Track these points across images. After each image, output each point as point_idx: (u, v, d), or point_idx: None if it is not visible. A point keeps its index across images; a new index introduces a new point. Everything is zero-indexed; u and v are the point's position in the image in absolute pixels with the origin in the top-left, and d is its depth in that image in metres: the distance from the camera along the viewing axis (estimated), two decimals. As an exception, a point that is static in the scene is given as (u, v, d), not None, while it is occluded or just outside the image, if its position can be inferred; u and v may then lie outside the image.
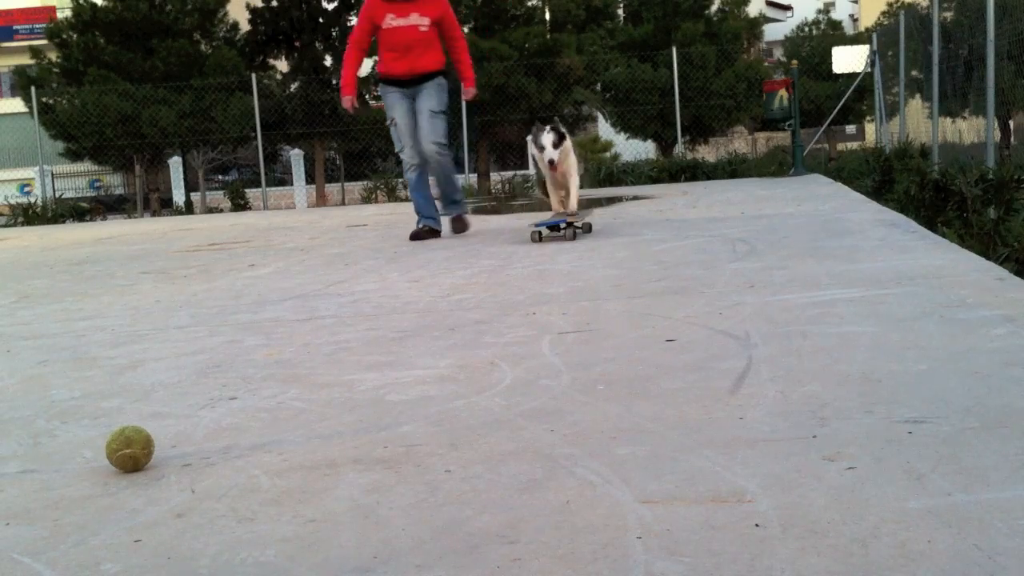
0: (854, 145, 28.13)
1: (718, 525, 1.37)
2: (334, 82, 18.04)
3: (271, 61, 19.39)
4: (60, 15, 21.95)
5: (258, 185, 17.43)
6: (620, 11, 19.87)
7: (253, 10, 19.06)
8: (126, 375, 2.66)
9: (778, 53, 30.88)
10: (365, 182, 17.48)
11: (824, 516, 1.38)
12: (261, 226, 9.38)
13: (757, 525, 1.36)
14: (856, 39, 22.11)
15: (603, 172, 14.31)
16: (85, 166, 22.80)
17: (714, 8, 19.47)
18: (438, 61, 6.23)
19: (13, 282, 5.46)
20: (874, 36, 16.29)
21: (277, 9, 18.88)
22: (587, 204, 8.92)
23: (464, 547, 1.37)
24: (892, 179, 9.10)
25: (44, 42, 19.33)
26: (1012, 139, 16.00)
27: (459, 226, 6.40)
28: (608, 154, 21.34)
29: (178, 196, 20.36)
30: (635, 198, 9.67)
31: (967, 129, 12.62)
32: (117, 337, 3.28)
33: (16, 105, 22.30)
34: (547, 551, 1.33)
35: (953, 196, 6.59)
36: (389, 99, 6.28)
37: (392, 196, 15.20)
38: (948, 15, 13.75)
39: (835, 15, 31.91)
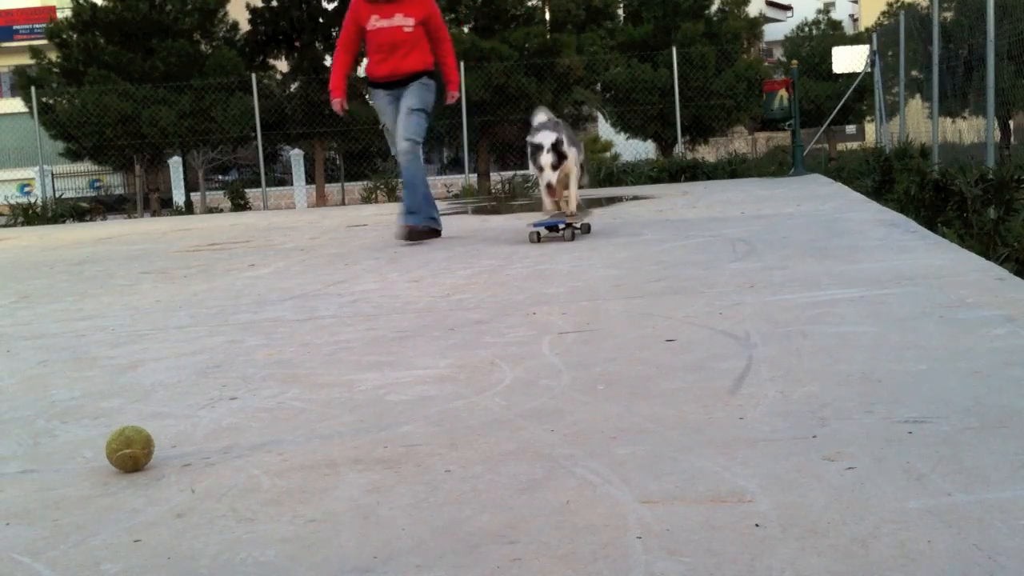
0: (854, 145, 28.14)
1: (718, 525, 1.37)
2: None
3: (271, 61, 19.38)
4: (60, 15, 21.95)
5: (258, 185, 17.43)
6: (620, 11, 19.86)
7: (253, 10, 19.05)
8: (126, 375, 2.66)
9: (778, 53, 30.88)
10: (365, 182, 17.49)
11: (824, 516, 1.38)
12: (261, 226, 9.38)
13: (757, 525, 1.36)
14: (856, 39, 22.10)
15: (603, 172, 14.31)
16: (85, 166, 22.80)
17: (714, 8, 19.47)
18: (424, 62, 6.14)
19: (13, 282, 5.46)
20: (874, 36, 16.30)
21: (277, 9, 18.87)
22: (587, 204, 8.93)
23: (464, 547, 1.37)
24: (892, 179, 9.10)
25: (44, 42, 19.32)
26: (1012, 139, 16.00)
27: (405, 233, 6.02)
28: (608, 154, 21.34)
29: (178, 196, 20.34)
30: (635, 198, 9.67)
31: (967, 129, 12.62)
32: (117, 337, 3.28)
33: (16, 105, 22.29)
34: (547, 551, 1.33)
35: (953, 196, 6.59)
36: (378, 103, 6.24)
37: (392, 196, 15.20)
38: (948, 15, 13.75)
39: (835, 15, 31.91)
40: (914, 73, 14.09)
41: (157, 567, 1.38)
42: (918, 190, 7.04)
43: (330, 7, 18.97)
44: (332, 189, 22.84)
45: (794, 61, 14.87)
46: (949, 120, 12.43)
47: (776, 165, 13.72)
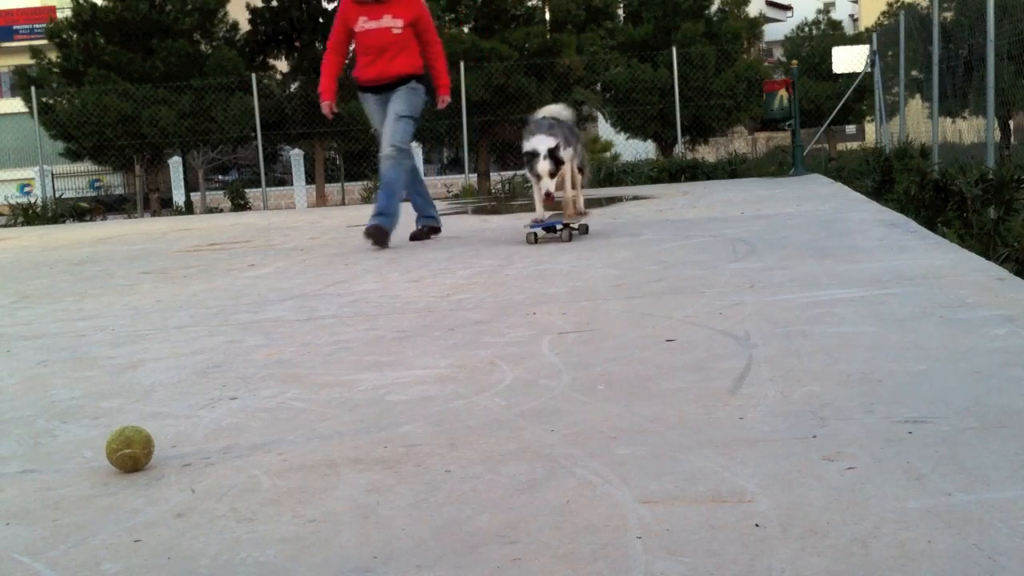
0: (854, 145, 28.15)
1: (718, 525, 1.37)
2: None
3: (271, 61, 19.38)
4: (60, 15, 21.95)
5: (258, 185, 17.44)
6: (620, 11, 19.86)
7: (253, 10, 19.05)
8: (126, 375, 2.66)
9: (778, 53, 30.89)
10: (365, 182, 17.47)
11: (824, 516, 1.38)
12: (261, 226, 9.38)
13: (757, 525, 1.36)
14: (856, 39, 22.12)
15: (603, 172, 14.31)
16: (85, 166, 22.81)
17: (714, 8, 19.48)
18: (413, 65, 6.02)
19: (13, 282, 5.46)
20: (874, 36, 16.30)
21: (277, 9, 18.88)
22: (587, 204, 8.92)
23: (464, 547, 1.37)
24: (892, 179, 9.10)
25: (44, 42, 19.33)
26: (1012, 139, 16.00)
27: (372, 231, 5.80)
28: (608, 154, 21.33)
29: (178, 196, 20.35)
30: (635, 198, 9.67)
31: (967, 129, 12.63)
32: (117, 337, 3.28)
33: (16, 105, 22.31)
34: (547, 551, 1.33)
35: (953, 196, 6.60)
36: (368, 108, 6.15)
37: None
38: (948, 15, 13.75)
39: (835, 15, 31.92)
40: (914, 73, 14.09)
41: (157, 567, 1.38)
42: (918, 190, 7.04)
43: (330, 7, 18.96)
44: (332, 189, 22.85)
45: (794, 61, 14.88)
46: (949, 120, 12.43)
47: (776, 165, 13.72)
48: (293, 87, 18.89)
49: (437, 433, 1.91)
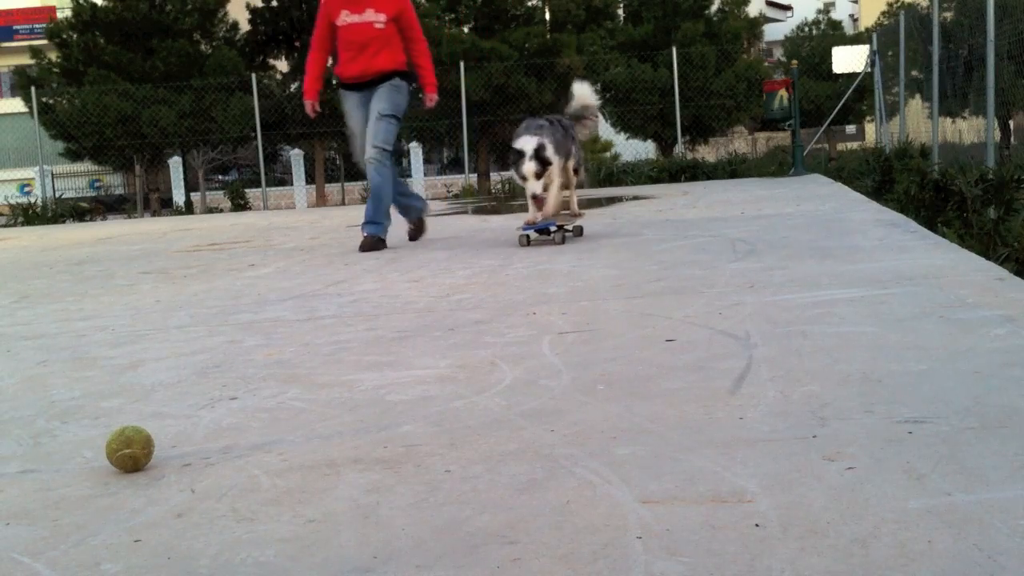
0: (854, 145, 28.14)
1: (718, 525, 1.37)
2: (334, 82, 18.05)
3: (271, 61, 19.39)
4: (60, 15, 21.96)
5: (258, 185, 17.44)
6: (620, 11, 19.86)
7: (253, 10, 19.06)
8: (126, 375, 2.66)
9: (778, 53, 30.88)
10: (365, 182, 17.43)
11: (824, 516, 1.38)
12: (261, 226, 9.38)
13: (757, 525, 1.36)
14: (856, 39, 22.11)
15: (603, 172, 14.31)
16: (85, 166, 22.81)
17: (714, 8, 19.47)
18: (396, 61, 5.84)
19: (13, 282, 5.46)
20: (874, 36, 16.30)
21: (277, 9, 18.88)
22: (587, 204, 8.93)
23: (464, 547, 1.37)
24: (892, 179, 9.10)
25: (44, 42, 19.34)
26: (1012, 139, 16.00)
27: (367, 244, 5.75)
28: (608, 154, 21.35)
29: (178, 196, 20.35)
30: (635, 198, 9.67)
31: (967, 129, 12.63)
32: (117, 337, 3.28)
33: (16, 105, 22.31)
34: (547, 551, 1.33)
35: (953, 196, 6.60)
36: (346, 105, 5.92)
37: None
38: (948, 15, 13.75)
39: (835, 15, 31.90)
40: (914, 73, 14.09)
41: (157, 567, 1.38)
42: (918, 190, 7.05)
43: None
44: (332, 189, 22.84)
45: (794, 61, 14.88)
46: (949, 120, 12.43)
47: (776, 165, 13.72)
48: (293, 87, 18.88)
49: (437, 433, 1.91)
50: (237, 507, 1.59)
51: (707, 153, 20.07)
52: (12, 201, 17.42)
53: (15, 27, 33.63)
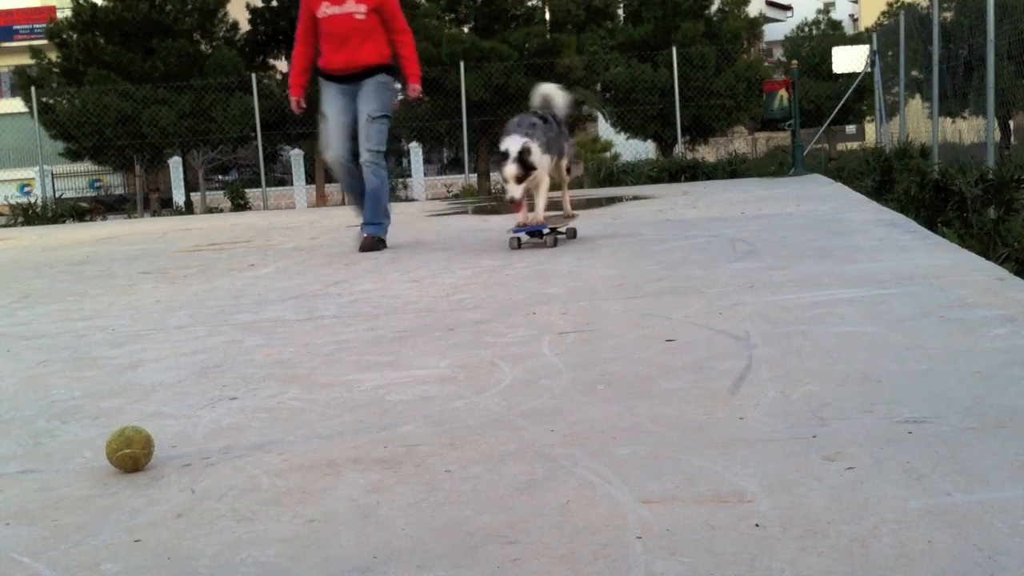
0: (854, 145, 28.14)
1: (718, 525, 1.37)
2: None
3: (271, 61, 19.39)
4: (60, 15, 21.96)
5: (258, 185, 17.44)
6: (620, 11, 19.86)
7: (253, 10, 19.06)
8: (126, 375, 2.66)
9: (778, 53, 30.87)
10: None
11: (824, 516, 1.38)
12: (261, 226, 9.38)
13: (757, 525, 1.36)
14: (856, 39, 22.10)
15: (603, 172, 14.31)
16: (85, 166, 22.81)
17: (714, 8, 19.47)
18: (381, 55, 5.73)
19: (13, 282, 5.46)
20: (874, 36, 16.30)
21: (277, 9, 18.88)
22: (586, 204, 8.93)
23: (464, 547, 1.37)
24: (892, 179, 9.10)
25: (44, 42, 19.33)
26: (1012, 139, 16.00)
27: (368, 244, 5.71)
28: (608, 154, 21.35)
29: (178, 196, 20.36)
30: (635, 198, 9.67)
31: (967, 129, 12.63)
32: (117, 337, 3.28)
33: (16, 105, 22.30)
34: (547, 551, 1.33)
35: (953, 196, 6.60)
36: (325, 94, 5.80)
37: (391, 196, 15.19)
38: (948, 15, 13.75)
39: (835, 15, 31.89)
40: (914, 73, 14.09)
41: (157, 567, 1.38)
42: (918, 190, 7.05)
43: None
44: (332, 189, 22.82)
45: (794, 61, 14.88)
46: (949, 120, 12.43)
47: (776, 165, 13.72)
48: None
49: (437, 433, 1.91)
50: (237, 507, 1.59)
51: (707, 153, 20.07)
52: (12, 201, 17.41)
53: (15, 27, 33.63)
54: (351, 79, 5.73)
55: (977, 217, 6.05)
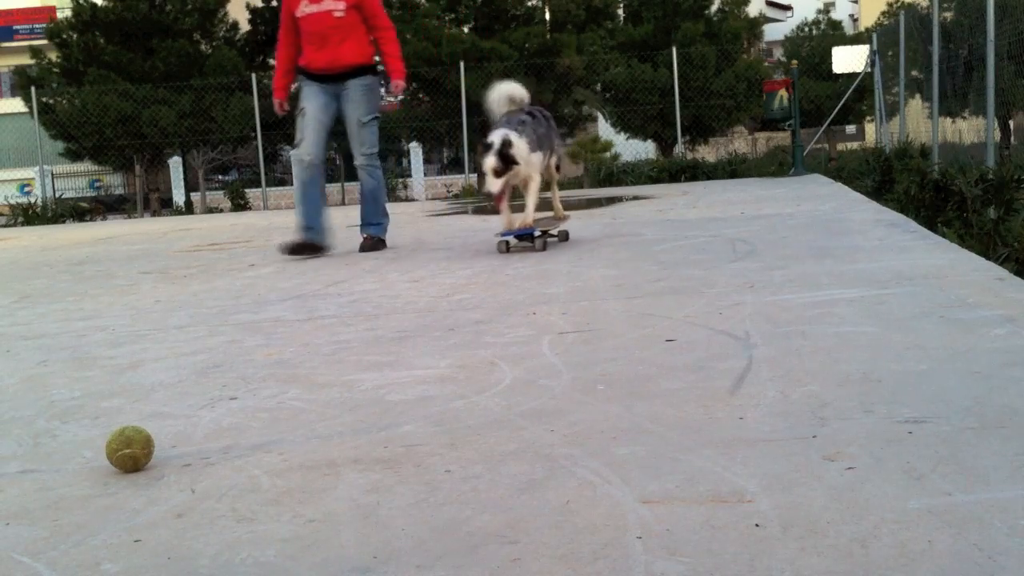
0: (854, 145, 28.14)
1: (718, 525, 1.37)
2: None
3: (271, 61, 19.37)
4: (60, 15, 21.95)
5: (258, 185, 17.44)
6: (620, 11, 19.86)
7: (253, 10, 19.05)
8: (126, 375, 2.66)
9: (778, 53, 30.86)
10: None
11: (824, 516, 1.38)
12: (261, 226, 9.38)
13: (757, 525, 1.36)
14: (856, 39, 22.09)
15: (603, 172, 14.31)
16: (85, 166, 22.80)
17: (714, 8, 19.46)
18: (364, 54, 5.68)
19: (13, 282, 5.46)
20: (874, 36, 16.30)
21: (277, 9, 18.85)
22: (586, 204, 8.94)
23: (464, 547, 1.37)
24: (892, 179, 9.10)
25: (44, 42, 19.33)
26: (1012, 139, 16.00)
27: (368, 244, 5.75)
28: (608, 154, 21.35)
29: (178, 196, 20.36)
30: (635, 198, 9.67)
31: (967, 129, 12.62)
32: (117, 337, 3.28)
33: (16, 105, 22.30)
34: (547, 551, 1.33)
35: (953, 196, 6.59)
36: (306, 91, 5.74)
37: (391, 196, 15.21)
38: (948, 15, 13.74)
39: (835, 15, 31.88)
40: (914, 73, 14.09)
41: (157, 567, 1.38)
42: (918, 190, 7.04)
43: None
44: (332, 189, 22.79)
45: (794, 61, 14.88)
46: (949, 120, 12.43)
47: (776, 165, 13.73)
48: (293, 87, 18.87)
49: (437, 433, 1.91)
50: (237, 507, 1.59)
51: (707, 153, 20.07)
52: (12, 201, 17.42)
53: (15, 27, 33.63)
54: (334, 79, 5.69)
55: (977, 217, 6.04)
